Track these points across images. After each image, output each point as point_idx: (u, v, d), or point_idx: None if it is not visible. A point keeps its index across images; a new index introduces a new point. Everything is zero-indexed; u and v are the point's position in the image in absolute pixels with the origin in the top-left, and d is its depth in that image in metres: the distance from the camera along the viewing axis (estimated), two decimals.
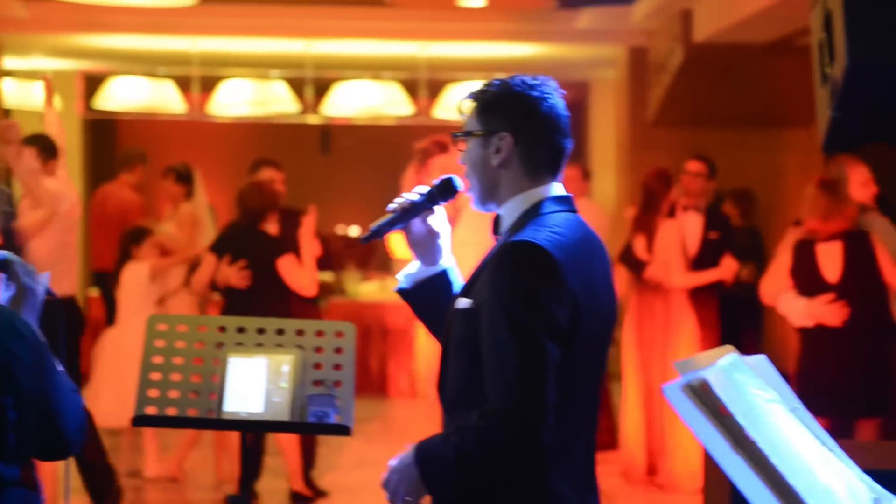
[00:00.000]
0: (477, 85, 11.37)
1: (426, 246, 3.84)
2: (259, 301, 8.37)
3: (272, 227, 9.11)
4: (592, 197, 12.83)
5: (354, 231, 16.35)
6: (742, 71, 12.05)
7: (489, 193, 3.73)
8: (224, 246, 8.95)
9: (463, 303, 3.64)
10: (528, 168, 3.70)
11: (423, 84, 14.17)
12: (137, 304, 9.37)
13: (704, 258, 9.57)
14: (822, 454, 3.15)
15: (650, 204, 9.58)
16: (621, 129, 13.85)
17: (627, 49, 13.54)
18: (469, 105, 3.76)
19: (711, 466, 5.42)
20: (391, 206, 3.82)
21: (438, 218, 3.86)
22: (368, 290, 14.11)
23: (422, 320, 4.06)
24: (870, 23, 3.84)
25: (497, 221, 3.74)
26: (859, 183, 8.35)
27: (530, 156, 3.69)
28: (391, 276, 14.51)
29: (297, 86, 14.33)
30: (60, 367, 3.48)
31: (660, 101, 13.09)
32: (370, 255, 12.82)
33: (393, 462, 3.67)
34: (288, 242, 9.02)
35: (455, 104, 3.84)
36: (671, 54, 12.53)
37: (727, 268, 9.50)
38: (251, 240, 8.98)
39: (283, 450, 9.11)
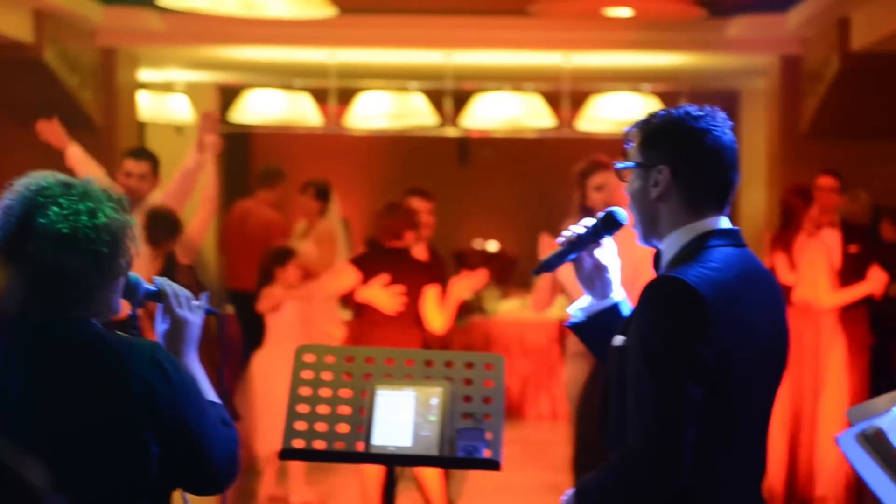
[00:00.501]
0: (621, 96, 11.46)
1: (595, 279, 3.84)
2: (396, 324, 8.39)
3: (419, 254, 9.09)
4: (740, 212, 12.72)
5: (493, 246, 16.35)
6: None
7: (650, 227, 3.71)
8: (370, 265, 8.86)
9: (619, 340, 3.63)
10: (689, 201, 3.66)
11: (566, 95, 14.12)
12: (285, 327, 9.41)
13: (848, 274, 9.46)
14: None
15: (789, 221, 9.49)
16: (772, 140, 13.68)
17: (780, 58, 13.35)
18: (635, 135, 3.73)
19: None
20: (560, 239, 3.83)
21: (606, 251, 3.85)
22: (508, 307, 14.07)
23: (594, 354, 4.06)
24: None
25: (657, 257, 3.72)
26: None
27: (691, 189, 3.66)
28: (529, 293, 14.50)
29: (435, 98, 14.34)
30: (215, 399, 3.52)
31: (814, 111, 12.88)
32: (509, 272, 12.79)
33: (563, 497, 3.70)
34: (437, 273, 9.00)
35: (625, 133, 3.81)
36: (827, 63, 12.34)
37: (876, 280, 9.33)
38: (401, 264, 8.92)
39: (422, 482, 9.04)
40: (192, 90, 15.92)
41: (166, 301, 3.47)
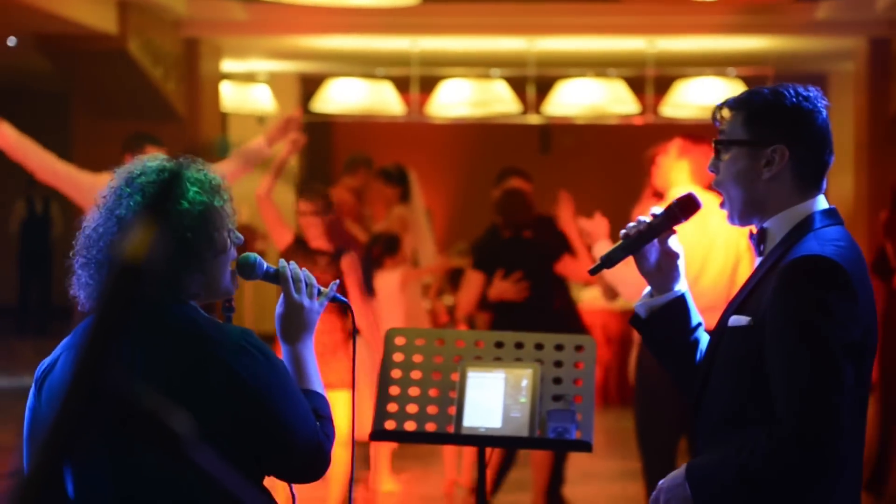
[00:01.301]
0: (707, 81, 11.40)
1: (664, 270, 3.78)
2: (528, 312, 8.46)
3: (529, 235, 9.15)
4: (828, 197, 12.67)
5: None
6: None
7: (754, 207, 3.67)
8: (490, 261, 9.00)
9: (736, 320, 3.59)
10: (799, 182, 3.66)
11: (650, 81, 14.09)
12: (391, 312, 9.45)
13: None
14: None
15: None
16: (861, 124, 13.60)
17: (868, 40, 13.26)
18: (733, 113, 3.71)
19: None
20: (624, 231, 3.78)
21: (676, 239, 3.80)
22: (591, 295, 14.05)
23: (654, 349, 4.06)
24: None
25: (762, 236, 3.70)
26: None
27: (802, 170, 3.66)
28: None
29: (517, 85, 14.38)
30: (319, 390, 3.56)
31: None
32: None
33: (663, 482, 3.66)
34: (555, 245, 9.01)
35: (714, 110, 3.77)
36: None
37: None
38: (522, 250, 9.01)
39: (534, 465, 9.08)
40: (274, 80, 16.01)
41: (284, 284, 3.51)
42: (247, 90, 15.56)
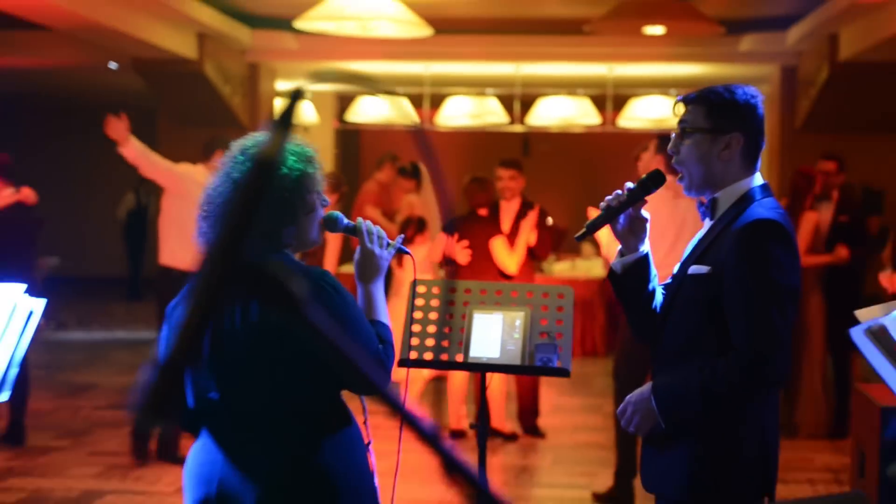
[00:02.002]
0: (654, 100, 11.33)
1: (635, 233, 3.75)
2: (471, 274, 8.37)
3: (507, 213, 9.19)
4: None
5: (549, 221, 16.38)
6: (881, 85, 11.76)
7: (709, 182, 3.68)
8: (451, 228, 8.95)
9: (696, 269, 3.59)
10: (744, 162, 3.65)
11: (610, 99, 14.13)
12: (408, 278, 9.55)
13: (835, 238, 9.34)
14: None
15: (796, 200, 9.37)
16: (772, 135, 13.52)
17: (780, 67, 13.37)
18: (693, 107, 3.68)
19: (861, 413, 5.32)
20: (604, 203, 3.74)
21: (645, 208, 3.77)
22: (561, 268, 14.07)
23: (623, 298, 4.00)
24: None
25: (713, 204, 3.68)
26: None
27: (748, 153, 3.65)
28: (579, 257, 14.58)
29: (506, 101, 14.38)
30: (384, 321, 3.58)
31: (807, 111, 12.87)
32: (561, 241, 12.78)
33: (630, 396, 3.68)
34: (498, 226, 9.04)
35: (672, 105, 3.80)
36: (818, 71, 12.30)
37: (839, 255, 9.23)
38: (474, 224, 9.05)
39: (492, 399, 9.18)
40: (316, 97, 15.99)
41: (360, 236, 3.53)
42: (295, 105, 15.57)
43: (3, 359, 3.83)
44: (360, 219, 3.58)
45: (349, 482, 3.31)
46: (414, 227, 9.84)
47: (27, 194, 9.01)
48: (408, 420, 1.47)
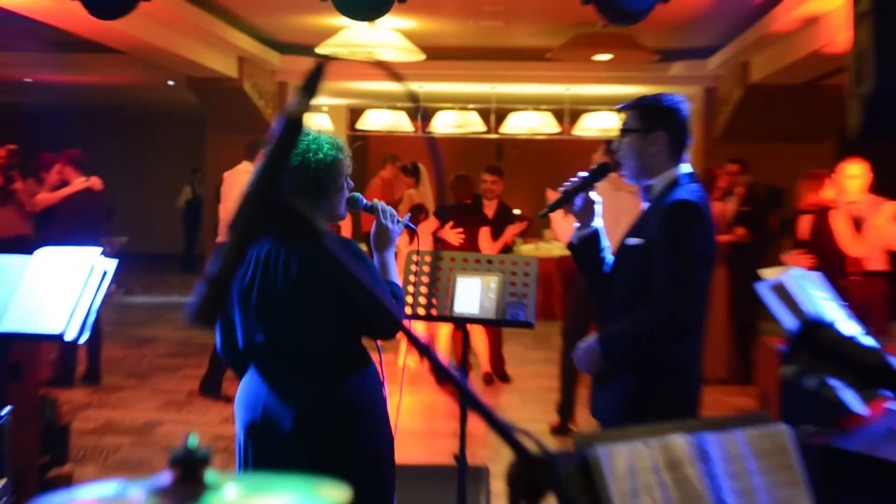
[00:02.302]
0: (605, 114, 11.32)
1: (588, 212, 3.79)
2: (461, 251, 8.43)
3: (487, 210, 9.23)
4: None
5: (517, 211, 16.43)
6: (784, 103, 11.79)
7: (644, 171, 3.71)
8: (441, 214, 9.01)
9: (632, 241, 3.63)
10: (671, 155, 3.65)
11: (567, 113, 14.08)
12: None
13: (738, 224, 9.43)
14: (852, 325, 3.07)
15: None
16: (697, 143, 13.51)
17: (703, 89, 13.35)
18: (630, 112, 3.71)
19: (764, 357, 5.34)
20: (562, 188, 3.80)
21: (596, 192, 3.83)
22: (526, 249, 14.02)
23: (582, 265, 4.01)
24: (892, 56, 3.73)
25: (648, 189, 3.70)
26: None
27: (673, 147, 3.65)
28: (541, 240, 14.56)
29: (484, 114, 14.29)
30: (396, 281, 3.56)
31: (724, 124, 12.88)
32: (528, 227, 12.76)
33: (581, 343, 3.74)
34: (486, 220, 9.08)
35: (617, 112, 3.84)
36: (733, 92, 12.33)
37: (735, 234, 9.35)
38: (462, 211, 9.07)
39: (478, 349, 9.25)
40: (331, 110, 15.97)
41: (377, 213, 3.54)
42: (314, 116, 15.52)
43: (84, 307, 3.84)
44: (375, 200, 3.57)
45: (367, 411, 3.32)
46: (424, 213, 9.86)
47: (94, 182, 9.02)
48: (427, 354, 1.47)
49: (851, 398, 2.76)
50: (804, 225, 8.19)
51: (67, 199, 8.91)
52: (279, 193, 1.28)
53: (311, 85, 1.32)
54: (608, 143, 7.69)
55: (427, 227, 9.02)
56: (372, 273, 3.36)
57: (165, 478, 1.34)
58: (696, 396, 3.74)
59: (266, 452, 3.26)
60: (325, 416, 3.23)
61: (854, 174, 7.69)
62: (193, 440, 1.39)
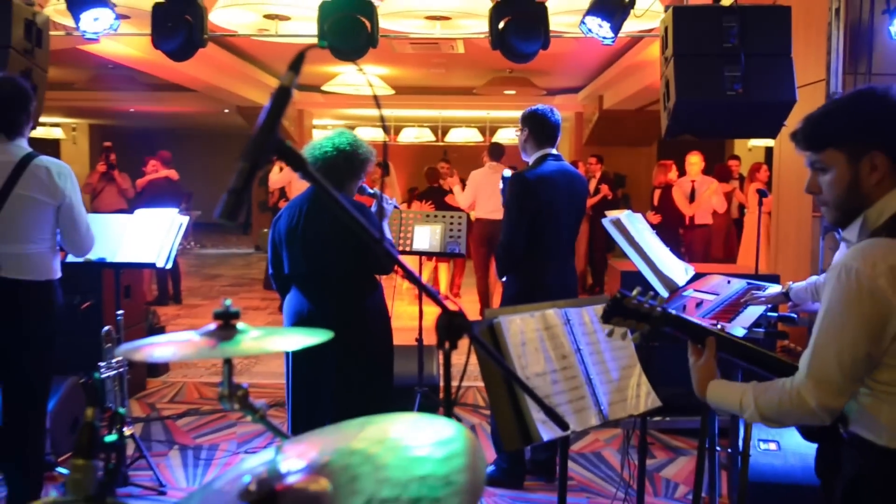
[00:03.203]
0: (510, 130, 10.97)
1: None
2: None
3: (444, 186, 9.08)
4: None
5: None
6: (626, 121, 11.84)
7: (523, 154, 3.67)
8: (421, 196, 9.03)
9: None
10: (536, 143, 3.61)
11: (488, 129, 13.99)
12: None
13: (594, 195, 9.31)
14: (668, 253, 3.13)
15: None
16: (570, 146, 13.62)
17: (574, 113, 13.26)
18: (521, 120, 3.68)
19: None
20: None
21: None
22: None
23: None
24: (684, 85, 3.77)
25: (525, 166, 3.67)
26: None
27: (536, 138, 3.62)
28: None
29: (434, 130, 14.18)
30: (390, 238, 3.47)
31: (587, 135, 12.81)
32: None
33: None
34: (446, 192, 8.92)
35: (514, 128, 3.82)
36: (593, 114, 12.29)
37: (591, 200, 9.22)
38: (435, 193, 8.98)
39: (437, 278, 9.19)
40: (334, 130, 15.76)
41: (376, 197, 3.31)
42: (321, 133, 15.32)
43: (168, 246, 3.78)
44: (375, 189, 3.35)
45: (381, 318, 3.14)
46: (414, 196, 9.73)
47: (171, 173, 8.89)
48: (417, 282, 1.39)
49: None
50: (656, 195, 8.28)
51: (153, 182, 8.78)
52: (279, 139, 1.20)
53: (296, 64, 1.24)
54: (491, 144, 7.87)
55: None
56: (375, 225, 3.13)
57: (211, 326, 1.35)
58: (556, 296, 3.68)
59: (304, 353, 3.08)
60: (352, 321, 3.02)
61: (693, 161, 7.94)
62: (228, 302, 1.40)
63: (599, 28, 4.03)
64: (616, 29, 4.02)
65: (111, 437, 1.31)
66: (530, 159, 3.67)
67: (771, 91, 3.72)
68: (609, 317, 1.81)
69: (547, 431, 1.91)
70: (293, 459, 1.13)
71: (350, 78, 9.86)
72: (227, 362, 1.23)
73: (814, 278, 2.63)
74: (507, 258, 3.54)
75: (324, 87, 10.15)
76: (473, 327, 1.41)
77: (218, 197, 1.26)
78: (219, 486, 1.15)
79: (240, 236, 17.85)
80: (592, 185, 9.51)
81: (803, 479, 3.25)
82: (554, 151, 3.66)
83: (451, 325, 1.31)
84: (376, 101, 1.44)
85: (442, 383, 1.31)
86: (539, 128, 3.61)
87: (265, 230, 13.70)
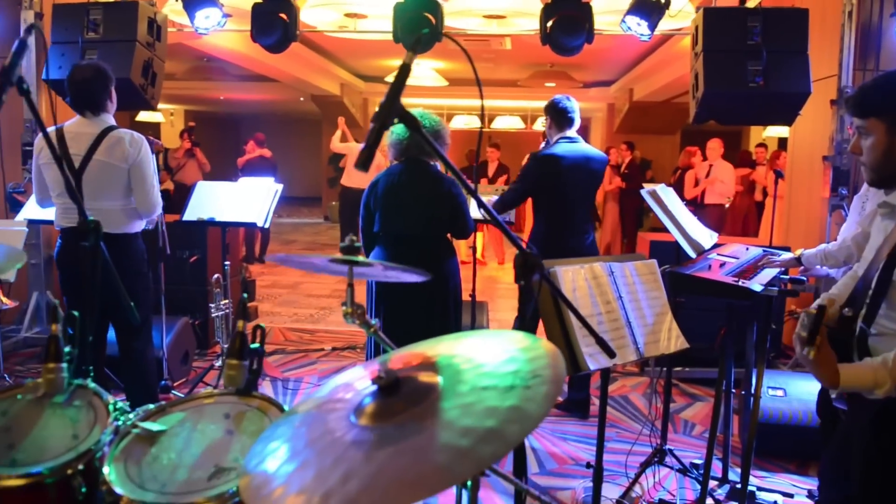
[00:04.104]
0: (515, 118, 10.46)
1: None
2: None
3: (491, 168, 9.09)
4: None
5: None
6: (653, 112, 11.69)
7: (547, 137, 3.70)
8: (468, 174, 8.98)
9: None
10: (558, 128, 3.61)
11: (529, 117, 13.84)
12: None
13: (628, 179, 9.15)
14: (695, 221, 3.16)
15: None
16: (603, 134, 13.47)
17: (607, 104, 13.10)
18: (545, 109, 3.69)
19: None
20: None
21: None
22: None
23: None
24: (712, 77, 3.77)
25: (546, 145, 3.67)
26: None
27: (558, 122, 3.61)
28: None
29: (481, 118, 14.11)
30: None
31: (618, 124, 12.65)
32: (508, 175, 12.69)
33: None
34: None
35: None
36: (623, 105, 12.15)
37: (613, 184, 9.04)
38: (471, 171, 8.90)
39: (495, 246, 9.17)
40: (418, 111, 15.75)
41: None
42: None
43: (267, 206, 3.89)
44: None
45: (455, 278, 3.06)
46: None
47: (265, 151, 9.10)
48: (503, 228, 1.38)
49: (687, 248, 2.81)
50: (675, 176, 8.28)
51: (250, 160, 9.03)
52: (400, 105, 1.25)
53: (415, 46, 1.33)
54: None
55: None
56: (466, 204, 3.06)
57: (338, 255, 1.42)
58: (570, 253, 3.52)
59: (391, 294, 3.03)
60: (433, 274, 2.94)
61: (713, 147, 7.88)
62: (354, 238, 1.48)
63: (638, 26, 4.05)
64: (653, 27, 4.04)
65: (255, 346, 1.46)
66: (552, 141, 3.69)
67: (788, 84, 3.72)
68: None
69: (593, 363, 2.01)
70: (405, 362, 1.23)
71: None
72: (351, 286, 1.35)
73: (823, 246, 2.66)
74: (499, 210, 3.64)
75: (386, 78, 10.24)
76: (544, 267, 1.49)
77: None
78: (305, 407, 1.21)
79: (311, 208, 18.11)
80: (623, 168, 9.44)
81: (805, 422, 3.32)
82: (570, 134, 3.67)
83: (527, 263, 1.41)
84: (480, 92, 1.50)
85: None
86: (558, 116, 3.63)
87: (333, 203, 13.90)
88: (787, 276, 2.81)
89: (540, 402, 0.98)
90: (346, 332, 5.50)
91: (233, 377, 1.39)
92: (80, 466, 1.28)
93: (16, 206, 4.15)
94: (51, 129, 2.96)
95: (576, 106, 3.65)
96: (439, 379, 1.13)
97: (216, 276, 3.77)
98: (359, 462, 0.93)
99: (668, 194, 2.96)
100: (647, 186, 2.85)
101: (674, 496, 2.98)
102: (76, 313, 1.47)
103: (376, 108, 1.29)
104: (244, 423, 1.34)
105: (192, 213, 3.80)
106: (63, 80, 3.07)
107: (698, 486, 2.96)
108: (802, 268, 2.71)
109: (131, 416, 1.38)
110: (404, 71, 1.29)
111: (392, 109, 1.26)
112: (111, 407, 1.38)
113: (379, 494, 0.89)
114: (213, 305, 3.69)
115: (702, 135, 7.04)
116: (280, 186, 4.05)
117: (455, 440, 0.91)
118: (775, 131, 9.88)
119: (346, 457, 0.95)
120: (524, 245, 1.43)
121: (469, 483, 1.17)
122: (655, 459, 3.13)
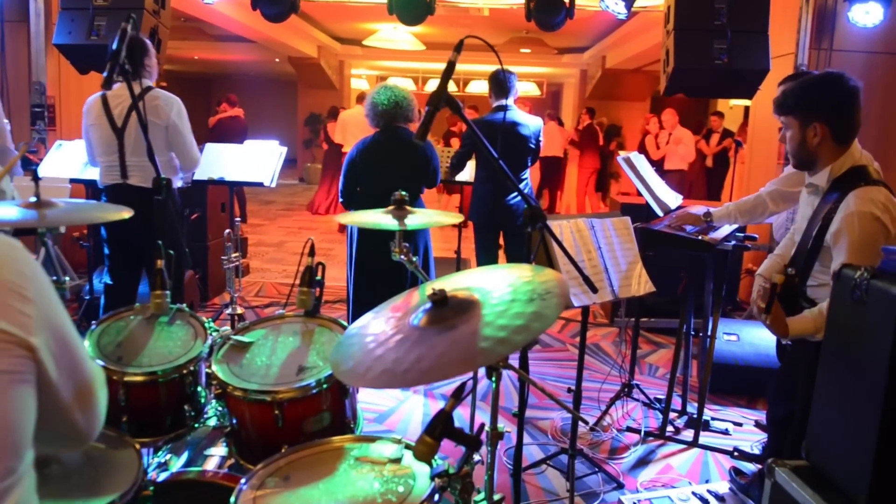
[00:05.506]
0: (525, 83, 10.82)
1: None
2: None
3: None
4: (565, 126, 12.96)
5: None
6: (623, 79, 11.94)
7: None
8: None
9: None
10: (495, 96, 3.81)
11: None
12: None
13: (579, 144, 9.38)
14: (663, 184, 3.48)
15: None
16: (575, 100, 13.70)
17: (580, 70, 13.27)
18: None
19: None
20: None
21: None
22: None
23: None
24: (682, 54, 4.07)
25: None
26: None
27: (495, 91, 3.79)
28: None
29: (456, 82, 14.13)
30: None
31: (590, 91, 12.85)
32: None
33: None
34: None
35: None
36: (596, 72, 12.33)
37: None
38: (450, 135, 9.06)
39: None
40: (369, 79, 15.80)
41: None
42: (359, 82, 15.37)
43: (277, 165, 4.11)
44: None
45: (426, 232, 3.23)
46: None
47: (238, 111, 9.19)
48: (510, 179, 1.60)
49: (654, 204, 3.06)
50: (639, 142, 8.62)
51: (222, 119, 9.11)
52: (448, 93, 1.50)
53: (459, 47, 1.57)
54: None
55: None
56: (438, 161, 3.33)
57: (390, 208, 1.76)
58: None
59: (368, 241, 3.26)
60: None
61: (667, 117, 8.18)
62: (401, 190, 1.80)
63: (616, 5, 4.36)
64: (629, 6, 4.34)
65: (318, 278, 1.83)
66: (492, 108, 3.86)
67: (750, 61, 3.97)
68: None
69: (577, 300, 2.41)
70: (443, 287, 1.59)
71: (386, 34, 10.02)
72: (396, 234, 1.71)
73: (728, 204, 2.89)
74: (452, 173, 3.90)
75: (364, 42, 10.34)
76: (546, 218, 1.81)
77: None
78: (363, 322, 1.43)
79: (286, 169, 17.90)
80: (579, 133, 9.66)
81: (755, 363, 3.65)
82: (505, 103, 3.82)
83: (533, 214, 1.79)
84: (499, 59, 1.77)
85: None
86: (496, 86, 3.82)
87: (308, 165, 14.00)
88: (743, 234, 3.18)
89: (554, 308, 1.26)
90: (333, 287, 5.80)
91: (304, 301, 1.75)
92: (192, 367, 1.65)
93: (28, 166, 4.35)
94: (96, 96, 3.17)
95: (514, 79, 3.80)
96: (477, 295, 1.50)
97: (227, 230, 4.04)
98: (426, 348, 1.23)
99: (639, 161, 3.32)
100: (622, 153, 3.15)
101: (639, 424, 3.34)
102: (171, 252, 1.80)
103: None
104: (315, 336, 1.71)
105: (202, 172, 4.03)
106: (72, 44, 3.22)
107: (661, 417, 3.32)
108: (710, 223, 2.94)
109: (223, 332, 1.76)
110: (450, 67, 1.60)
111: (441, 95, 1.57)
112: (206, 325, 1.75)
113: (445, 367, 1.20)
114: (224, 258, 3.96)
115: (670, 102, 7.43)
116: (284, 149, 4.28)
117: (494, 333, 1.20)
118: (741, 101, 10.33)
119: (415, 346, 1.25)
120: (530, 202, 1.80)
121: (494, 377, 1.55)
122: (624, 392, 3.53)
